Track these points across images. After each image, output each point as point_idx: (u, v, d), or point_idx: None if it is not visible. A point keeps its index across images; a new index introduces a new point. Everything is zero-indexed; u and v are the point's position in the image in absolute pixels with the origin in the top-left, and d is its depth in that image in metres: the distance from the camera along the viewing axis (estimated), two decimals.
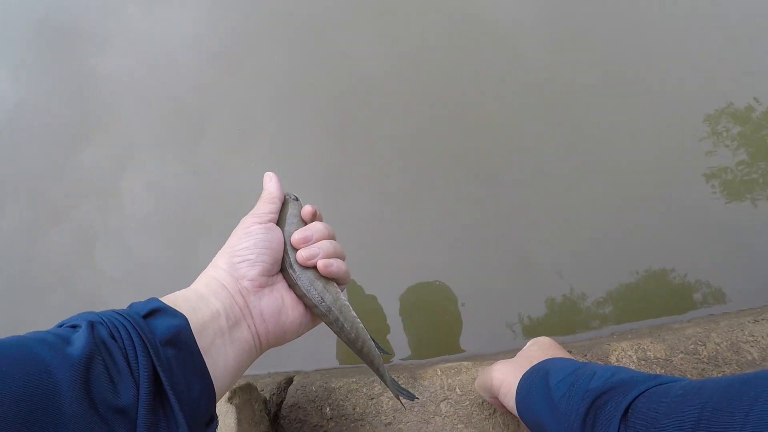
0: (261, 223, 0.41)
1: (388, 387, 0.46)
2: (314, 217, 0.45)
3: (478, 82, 0.96)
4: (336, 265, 0.42)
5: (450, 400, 0.61)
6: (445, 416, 0.60)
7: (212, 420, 0.34)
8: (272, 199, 0.44)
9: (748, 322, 0.63)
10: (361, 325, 0.43)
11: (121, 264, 0.94)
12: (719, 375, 0.58)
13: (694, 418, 0.29)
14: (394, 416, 0.61)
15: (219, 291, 0.37)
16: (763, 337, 0.61)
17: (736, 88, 0.89)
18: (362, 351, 0.44)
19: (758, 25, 0.93)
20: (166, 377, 0.29)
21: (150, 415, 0.28)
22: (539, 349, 0.51)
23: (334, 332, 0.43)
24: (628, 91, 0.91)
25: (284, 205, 0.45)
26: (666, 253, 0.80)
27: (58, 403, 0.24)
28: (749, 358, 0.60)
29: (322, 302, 0.41)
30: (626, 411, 0.35)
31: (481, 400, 0.60)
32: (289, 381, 0.68)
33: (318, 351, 0.80)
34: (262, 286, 0.39)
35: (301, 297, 0.42)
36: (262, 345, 0.39)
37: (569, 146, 0.89)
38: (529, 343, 0.55)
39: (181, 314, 0.33)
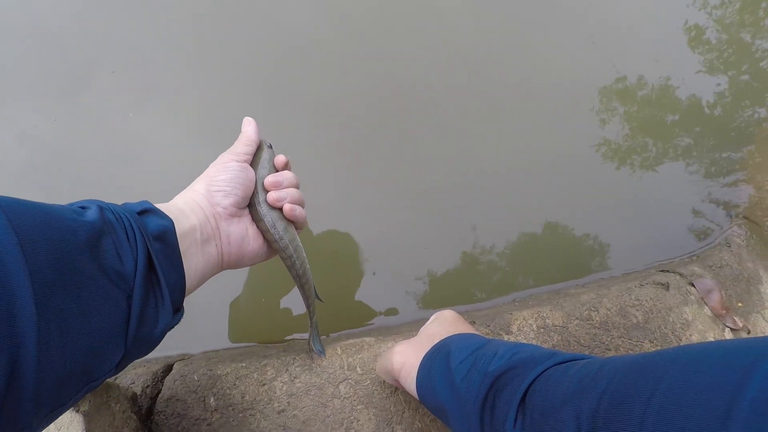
0: (238, 161, 0.47)
1: (310, 327, 0.56)
2: (286, 166, 0.52)
3: (396, 37, 0.89)
4: (299, 211, 0.49)
5: (350, 381, 0.56)
6: (345, 398, 0.55)
7: (179, 310, 0.40)
8: (249, 142, 0.49)
9: (635, 286, 0.66)
10: (308, 266, 0.52)
11: None
12: (608, 339, 0.60)
13: (592, 408, 0.27)
14: (288, 402, 0.55)
15: (197, 210, 0.43)
16: (647, 301, 0.64)
17: (628, 65, 0.92)
18: (303, 287, 0.52)
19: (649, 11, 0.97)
20: (156, 260, 0.35)
21: (144, 284, 0.34)
22: (441, 325, 0.48)
23: (286, 266, 0.51)
24: (534, 62, 0.91)
25: (259, 149, 0.50)
26: (563, 217, 0.82)
27: (80, 253, 0.30)
28: (634, 321, 0.62)
29: (282, 239, 0.48)
30: (524, 396, 0.32)
31: (383, 378, 0.56)
32: (168, 369, 0.59)
33: (207, 331, 0.71)
34: (232, 216, 0.45)
35: (264, 232, 0.48)
36: (224, 264, 0.45)
37: (479, 108, 0.86)
38: (432, 317, 0.52)
39: (169, 217, 0.39)
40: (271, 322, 0.74)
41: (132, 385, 0.56)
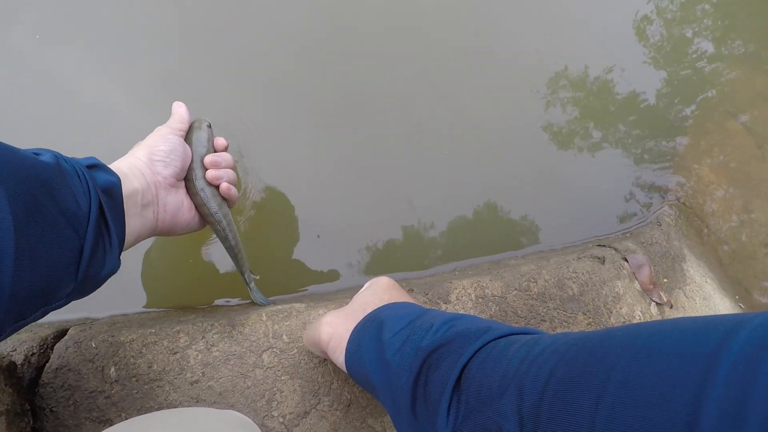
0: (175, 135, 0.50)
1: (249, 291, 0.59)
2: (226, 149, 0.56)
3: (355, 20, 0.81)
4: (233, 190, 0.53)
5: (275, 349, 0.52)
6: (268, 368, 0.51)
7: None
8: (183, 120, 0.52)
9: (573, 259, 0.66)
10: (239, 238, 0.56)
11: None
12: (544, 310, 0.60)
13: (534, 401, 0.24)
14: (203, 372, 0.49)
15: (139, 176, 0.45)
16: (583, 274, 0.64)
17: (573, 55, 0.91)
18: (237, 257, 0.56)
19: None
20: (106, 209, 0.38)
21: (96, 228, 0.37)
22: (375, 293, 0.43)
23: (219, 238, 0.55)
24: (487, 47, 0.87)
25: (197, 128, 0.54)
26: (506, 192, 0.80)
27: (41, 191, 0.33)
28: (570, 293, 0.62)
29: (217, 213, 0.52)
30: (459, 377, 0.29)
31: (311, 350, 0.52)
32: (60, 335, 0.51)
33: (115, 292, 0.63)
34: (171, 186, 0.49)
35: (198, 205, 0.52)
36: (157, 230, 0.48)
37: (429, 85, 0.82)
38: (366, 285, 0.47)
39: (116, 174, 0.41)
40: (192, 286, 0.67)
41: (12, 353, 0.48)
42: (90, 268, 0.36)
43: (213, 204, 0.51)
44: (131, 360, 0.49)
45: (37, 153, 0.36)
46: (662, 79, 0.96)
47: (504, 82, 0.87)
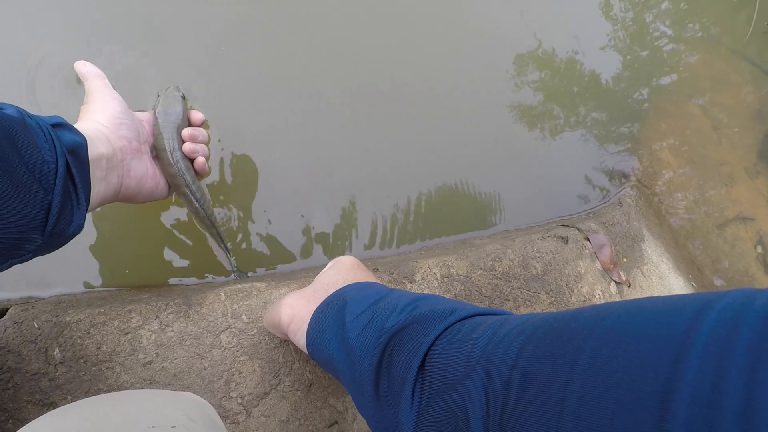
0: (115, 92, 0.49)
1: (229, 259, 0.61)
2: (202, 124, 0.56)
3: None
4: (207, 166, 0.55)
5: (233, 330, 0.50)
6: (226, 348, 0.49)
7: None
8: (100, 75, 0.50)
9: (537, 239, 0.67)
10: (212, 210, 0.57)
11: None
12: (508, 289, 0.60)
13: (502, 383, 0.23)
14: (157, 353, 0.47)
15: (105, 141, 0.44)
16: (546, 253, 0.65)
17: (542, 34, 0.90)
18: (213, 225, 0.57)
19: None
20: (73, 168, 0.37)
21: (63, 185, 0.36)
22: (338, 273, 0.42)
23: (192, 209, 0.55)
24: (453, 22, 0.84)
25: (165, 95, 0.55)
26: (473, 172, 0.80)
27: (6, 144, 0.32)
28: (534, 272, 0.63)
29: (191, 185, 0.53)
30: (423, 360, 0.28)
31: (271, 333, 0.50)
32: None
33: (63, 269, 0.59)
34: (137, 151, 0.48)
35: (171, 176, 0.51)
36: (120, 195, 0.47)
37: (399, 64, 0.79)
38: (329, 264, 0.46)
39: (83, 135, 0.40)
40: (145, 264, 0.63)
41: None
42: (57, 224, 0.36)
43: (188, 176, 0.52)
44: (78, 341, 0.46)
45: (0, 107, 0.35)
46: (625, 61, 0.97)
47: (472, 61, 0.85)
